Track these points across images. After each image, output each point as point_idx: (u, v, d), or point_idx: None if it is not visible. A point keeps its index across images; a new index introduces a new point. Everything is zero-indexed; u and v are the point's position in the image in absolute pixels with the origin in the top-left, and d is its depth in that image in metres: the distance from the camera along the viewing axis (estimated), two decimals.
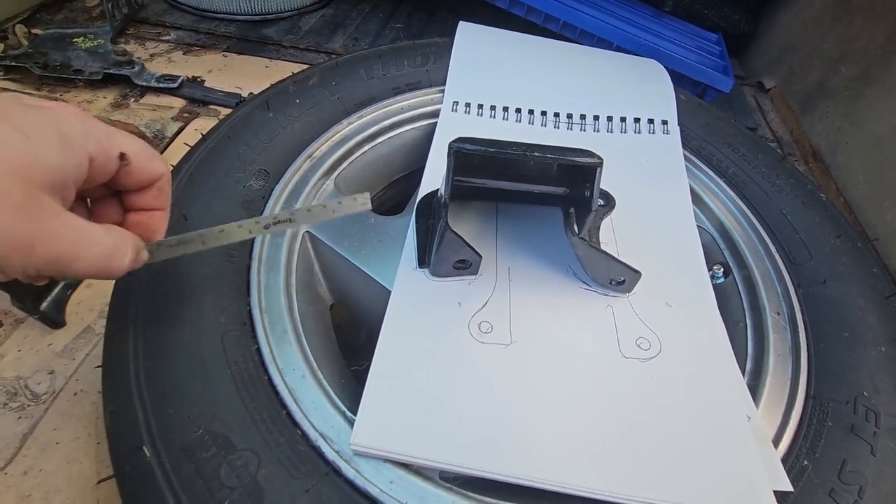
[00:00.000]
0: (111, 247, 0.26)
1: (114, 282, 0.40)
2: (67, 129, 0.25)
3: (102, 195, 0.31)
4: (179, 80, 0.82)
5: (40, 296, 0.51)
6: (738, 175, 0.56)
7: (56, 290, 0.53)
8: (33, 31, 0.88)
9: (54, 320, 0.51)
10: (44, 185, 0.24)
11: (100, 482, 0.42)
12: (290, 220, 0.34)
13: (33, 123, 0.24)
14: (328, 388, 0.36)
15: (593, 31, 0.89)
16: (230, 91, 0.83)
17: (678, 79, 0.86)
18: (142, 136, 0.68)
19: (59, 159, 0.24)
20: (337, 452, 0.33)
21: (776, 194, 0.54)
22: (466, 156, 0.35)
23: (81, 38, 0.86)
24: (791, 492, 0.34)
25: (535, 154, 0.34)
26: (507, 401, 0.36)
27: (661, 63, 0.69)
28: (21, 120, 0.24)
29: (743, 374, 0.42)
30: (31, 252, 0.23)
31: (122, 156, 0.27)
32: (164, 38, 0.96)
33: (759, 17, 1.15)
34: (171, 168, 0.47)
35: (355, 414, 0.34)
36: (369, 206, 0.34)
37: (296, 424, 0.34)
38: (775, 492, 0.33)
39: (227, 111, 0.79)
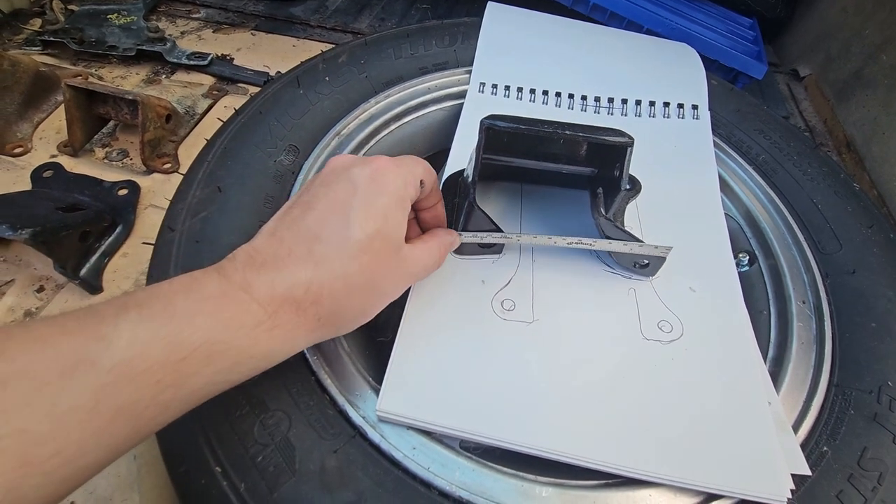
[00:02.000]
0: (433, 265, 0.37)
1: (151, 250, 0.42)
2: (409, 174, 0.34)
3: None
4: (209, 58, 0.83)
5: (80, 262, 0.54)
6: (769, 162, 0.55)
7: (94, 258, 0.55)
8: (69, 6, 0.90)
9: (92, 286, 0.54)
10: (406, 213, 0.33)
11: None
12: (591, 245, 0.41)
13: (402, 169, 0.34)
14: (354, 357, 0.38)
15: (623, 13, 0.88)
16: (258, 69, 0.84)
17: (709, 64, 0.84)
18: (174, 111, 0.70)
19: (413, 192, 0.34)
20: (363, 418, 0.34)
21: (807, 183, 0.53)
22: (497, 133, 0.35)
23: (115, 15, 0.88)
24: (809, 476, 0.34)
25: (566, 132, 0.35)
26: (527, 375, 0.37)
27: (693, 47, 0.68)
28: (396, 163, 0.34)
29: (765, 361, 0.42)
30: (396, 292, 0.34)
31: (421, 182, 0.35)
32: (194, 15, 0.97)
33: (796, 2, 1.11)
34: (206, 141, 0.49)
35: (380, 383, 0.35)
36: (666, 255, 0.41)
37: (324, 390, 0.35)
38: (794, 475, 0.34)
39: (256, 89, 0.80)
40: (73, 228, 0.52)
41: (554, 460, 0.34)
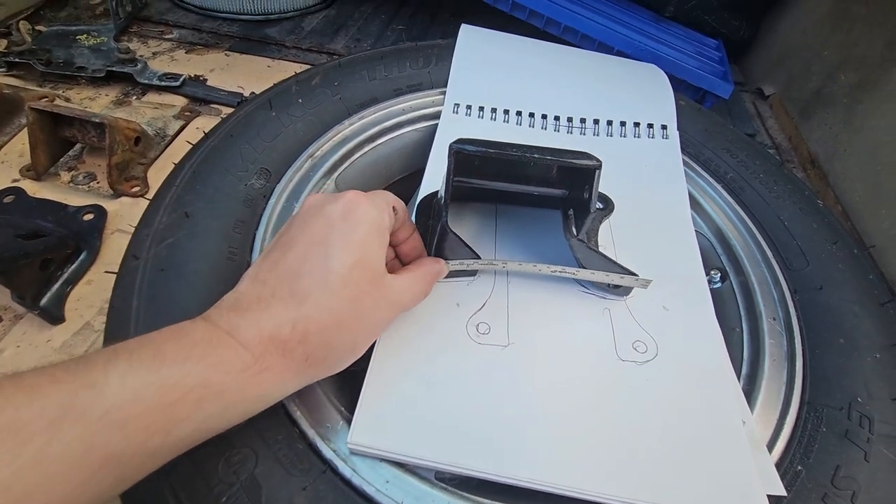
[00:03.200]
0: (420, 293, 0.36)
1: (114, 279, 0.40)
2: (383, 203, 0.34)
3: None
4: (182, 79, 0.82)
5: (40, 291, 0.52)
6: (737, 180, 0.57)
7: (56, 286, 0.53)
8: (37, 27, 0.88)
9: (54, 316, 0.52)
10: (385, 242, 0.33)
11: None
12: (574, 274, 0.41)
13: (376, 199, 0.33)
14: (325, 386, 0.37)
15: (594, 35, 0.90)
16: (232, 90, 0.83)
17: (678, 84, 0.86)
18: (144, 133, 0.68)
19: (388, 221, 0.34)
20: (334, 451, 0.33)
21: (774, 200, 0.55)
22: (466, 157, 0.35)
23: (85, 36, 0.87)
24: (785, 496, 0.34)
25: (535, 156, 0.35)
26: (503, 402, 0.36)
27: (661, 68, 0.70)
28: (366, 194, 0.34)
29: (738, 378, 0.42)
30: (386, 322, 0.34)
31: (393, 209, 0.35)
32: (166, 36, 0.96)
33: (758, 24, 1.15)
34: (174, 165, 0.48)
35: (352, 413, 0.34)
36: (647, 286, 0.41)
37: (294, 423, 0.34)
38: (769, 496, 0.34)
39: (229, 110, 0.79)
40: (34, 256, 0.50)
41: (532, 489, 0.33)
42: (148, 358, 0.26)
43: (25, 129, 0.65)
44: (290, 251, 0.31)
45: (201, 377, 0.26)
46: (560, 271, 0.41)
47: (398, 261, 0.40)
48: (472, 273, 0.43)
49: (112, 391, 0.24)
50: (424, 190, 0.49)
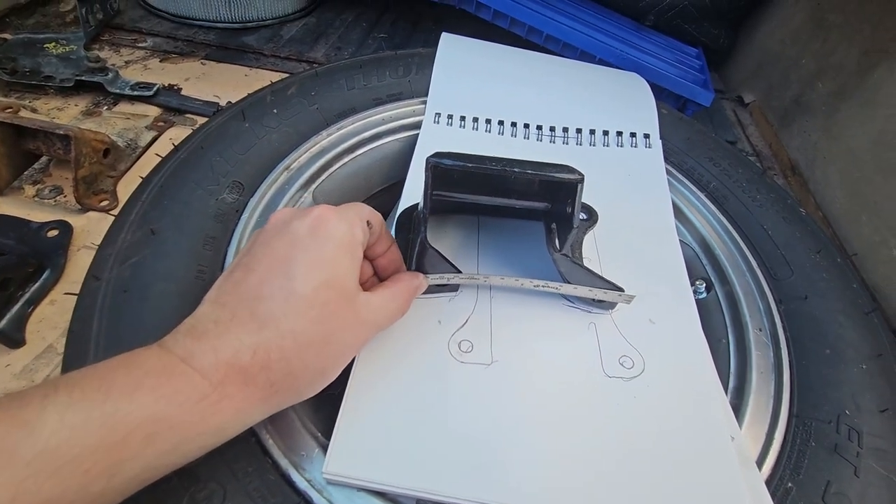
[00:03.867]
0: (398, 311, 0.35)
1: (75, 299, 0.38)
2: (355, 217, 0.32)
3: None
4: (155, 88, 0.79)
5: None
6: (720, 189, 0.56)
7: (16, 308, 0.50)
8: (2, 35, 0.85)
9: (14, 339, 0.49)
10: (358, 259, 0.32)
11: None
12: (557, 289, 0.40)
13: (347, 213, 0.32)
14: (300, 411, 0.35)
15: (576, 44, 0.90)
16: (208, 100, 0.81)
17: (659, 92, 0.87)
18: (113, 145, 0.66)
19: (361, 235, 0.32)
20: (308, 481, 0.31)
21: (757, 209, 0.54)
22: (445, 171, 0.34)
23: (53, 44, 0.84)
24: None
25: (515, 170, 0.34)
26: (487, 424, 0.35)
27: (643, 76, 0.70)
28: (337, 209, 0.32)
29: (725, 391, 0.41)
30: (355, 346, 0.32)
31: (368, 223, 0.34)
32: (140, 44, 0.93)
33: (738, 33, 1.17)
34: (141, 179, 0.46)
35: (329, 439, 0.33)
36: (630, 301, 0.40)
37: (265, 452, 0.32)
38: None
39: (204, 120, 0.77)
40: None
41: None
42: (92, 390, 0.23)
43: None
44: (252, 272, 0.29)
45: (153, 409, 0.24)
46: (543, 286, 0.40)
47: (376, 277, 0.38)
48: (454, 288, 0.42)
49: (47, 430, 0.21)
50: (405, 202, 0.48)
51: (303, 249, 0.29)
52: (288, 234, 0.30)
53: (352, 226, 0.32)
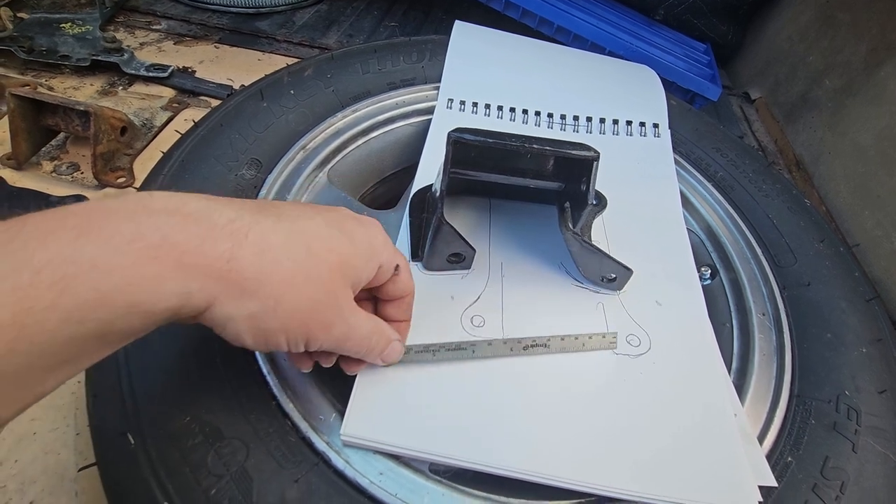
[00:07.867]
0: (369, 330, 0.31)
1: None
2: (374, 242, 0.30)
3: (364, 297, 0.35)
4: (170, 70, 0.80)
5: None
6: (727, 179, 0.57)
7: None
8: (19, 14, 0.86)
9: None
10: (351, 282, 0.29)
11: (81, 469, 0.41)
12: (546, 346, 0.38)
13: (357, 234, 0.29)
14: (318, 378, 0.36)
15: (586, 35, 0.90)
16: (221, 83, 0.82)
17: (667, 86, 0.87)
18: (130, 123, 0.67)
19: (364, 264, 0.30)
20: (327, 443, 0.32)
21: (763, 199, 0.55)
22: (465, 146, 0.35)
23: (69, 24, 0.84)
24: (776, 487, 0.34)
25: (533, 146, 0.35)
26: (497, 394, 0.36)
27: (652, 69, 0.71)
28: (351, 229, 0.29)
29: (729, 372, 0.42)
30: (329, 331, 0.28)
31: (397, 267, 0.32)
32: (154, 27, 0.94)
33: (746, 29, 1.17)
34: (162, 154, 0.47)
35: (345, 405, 0.34)
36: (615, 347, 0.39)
37: (286, 415, 0.33)
38: (760, 487, 0.34)
39: (218, 102, 0.78)
40: None
41: (526, 481, 0.33)
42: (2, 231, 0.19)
43: (6, 116, 0.64)
44: (283, 207, 0.28)
45: (69, 251, 0.20)
46: (531, 344, 0.38)
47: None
48: (468, 265, 0.43)
49: None
50: (417, 185, 0.49)
51: (346, 229, 0.29)
52: (341, 212, 0.31)
53: (386, 252, 0.31)
